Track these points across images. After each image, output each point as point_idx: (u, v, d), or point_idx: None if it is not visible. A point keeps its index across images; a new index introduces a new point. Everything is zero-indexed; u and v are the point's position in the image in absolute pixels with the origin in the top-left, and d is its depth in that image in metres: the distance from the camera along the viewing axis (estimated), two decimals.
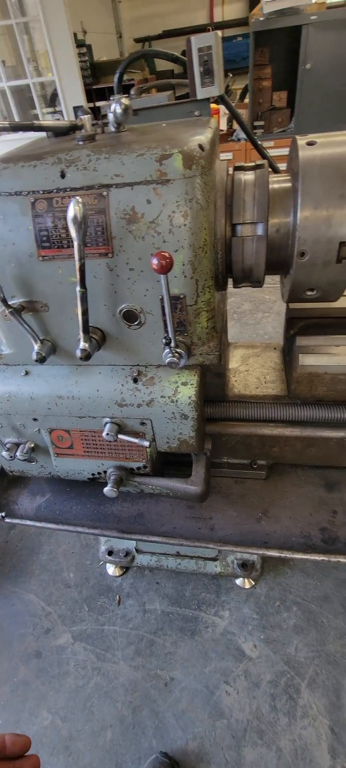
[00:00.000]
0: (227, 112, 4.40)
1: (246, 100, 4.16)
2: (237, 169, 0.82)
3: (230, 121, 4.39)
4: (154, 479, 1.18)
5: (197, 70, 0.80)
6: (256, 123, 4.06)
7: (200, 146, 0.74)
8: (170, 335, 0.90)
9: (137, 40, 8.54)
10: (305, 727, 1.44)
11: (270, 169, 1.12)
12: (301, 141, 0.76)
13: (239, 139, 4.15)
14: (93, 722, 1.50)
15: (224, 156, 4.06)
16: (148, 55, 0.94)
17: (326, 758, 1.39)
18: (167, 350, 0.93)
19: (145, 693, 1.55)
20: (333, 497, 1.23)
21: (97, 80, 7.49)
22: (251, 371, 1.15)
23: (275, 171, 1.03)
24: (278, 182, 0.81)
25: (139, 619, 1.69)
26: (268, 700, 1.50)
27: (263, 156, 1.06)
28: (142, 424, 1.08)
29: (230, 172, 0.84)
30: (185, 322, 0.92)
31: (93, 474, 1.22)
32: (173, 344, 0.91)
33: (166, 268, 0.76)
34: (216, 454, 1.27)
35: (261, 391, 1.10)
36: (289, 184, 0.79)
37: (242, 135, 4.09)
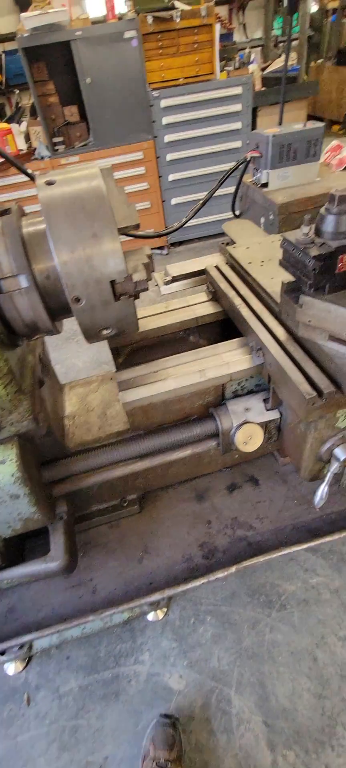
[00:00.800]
0: (23, 130, 3.90)
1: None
2: None
3: (28, 140, 3.93)
4: (7, 572, 1.02)
5: None
6: (55, 139, 3.82)
7: None
8: None
9: None
10: (242, 735, 1.42)
11: None
12: (40, 181, 0.70)
13: (42, 157, 3.76)
14: None
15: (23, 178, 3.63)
16: None
17: (267, 755, 1.39)
18: None
19: None
20: (205, 507, 1.23)
21: None
22: (91, 411, 1.08)
23: None
24: (33, 225, 0.73)
25: (55, 709, 1.49)
26: (205, 727, 1.45)
27: (29, 176, 1.00)
28: None
29: None
30: None
31: None
32: None
33: None
34: (81, 506, 1.17)
35: (104, 432, 1.04)
36: (44, 226, 0.72)
37: (46, 153, 3.75)
